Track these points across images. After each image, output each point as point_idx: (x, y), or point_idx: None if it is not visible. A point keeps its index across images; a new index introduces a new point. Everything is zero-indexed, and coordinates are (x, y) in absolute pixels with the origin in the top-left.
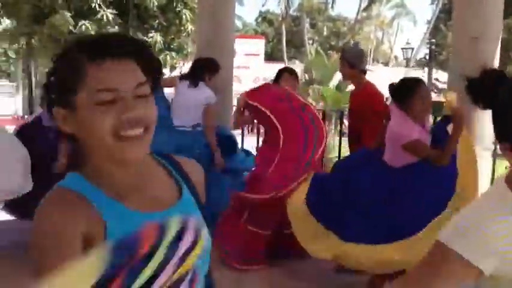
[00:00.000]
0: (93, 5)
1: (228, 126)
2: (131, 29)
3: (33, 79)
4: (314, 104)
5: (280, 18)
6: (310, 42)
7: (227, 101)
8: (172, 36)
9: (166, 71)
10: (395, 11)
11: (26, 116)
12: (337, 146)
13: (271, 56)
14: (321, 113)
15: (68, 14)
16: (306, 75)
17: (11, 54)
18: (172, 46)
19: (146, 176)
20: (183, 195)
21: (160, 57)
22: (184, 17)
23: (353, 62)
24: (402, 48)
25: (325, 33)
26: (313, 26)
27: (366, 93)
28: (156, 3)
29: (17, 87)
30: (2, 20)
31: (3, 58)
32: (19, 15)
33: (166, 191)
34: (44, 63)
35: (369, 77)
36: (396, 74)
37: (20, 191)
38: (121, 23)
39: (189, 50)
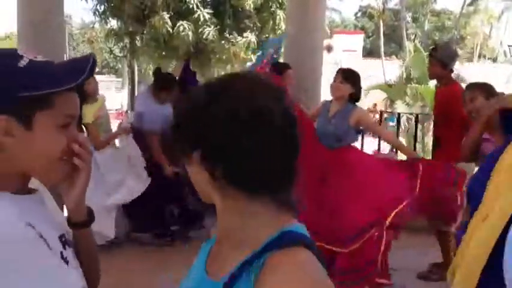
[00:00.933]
0: (190, 5)
1: None
2: (227, 28)
3: (136, 76)
4: (411, 104)
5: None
6: (412, 37)
7: (316, 103)
8: (266, 36)
9: None
10: (504, 5)
11: (128, 111)
12: None
13: (370, 52)
14: (413, 117)
15: (167, 15)
16: (404, 73)
17: (117, 52)
18: None
19: None
20: None
21: (255, 57)
22: (278, 17)
23: (446, 62)
24: (509, 46)
25: (426, 27)
26: (415, 20)
27: (452, 94)
28: (252, 5)
29: (123, 82)
30: (108, 20)
31: (111, 55)
32: (123, 16)
33: None
34: (145, 61)
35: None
36: (503, 71)
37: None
38: (217, 23)
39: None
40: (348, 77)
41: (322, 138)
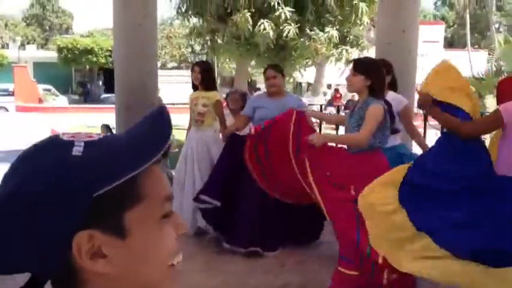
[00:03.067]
0: (272, 3)
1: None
2: (307, 24)
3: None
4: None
5: (462, 1)
6: (496, 26)
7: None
8: (348, 30)
9: (341, 65)
10: None
11: None
12: None
13: (451, 43)
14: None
15: (248, 13)
16: (494, 65)
17: (197, 48)
18: (347, 39)
19: None
20: None
21: (337, 52)
22: (360, 9)
23: None
24: None
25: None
26: (499, 8)
27: None
28: None
29: None
30: (190, 18)
31: (190, 51)
32: (205, 13)
33: None
34: (225, 58)
35: None
36: None
37: None
38: (297, 20)
39: (365, 43)
40: (359, 68)
41: None
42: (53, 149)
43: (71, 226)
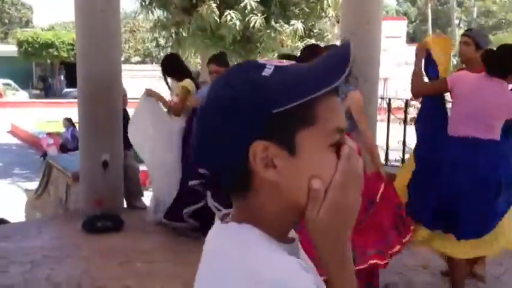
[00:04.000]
0: None
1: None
2: (273, 16)
3: None
4: None
5: None
6: (457, 22)
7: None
8: (313, 23)
9: None
10: None
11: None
12: None
13: (413, 38)
14: None
15: (214, 5)
16: (454, 60)
17: (162, 42)
18: (312, 33)
19: None
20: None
21: (302, 44)
22: (325, 2)
23: (481, 43)
24: None
25: (475, 13)
26: (460, 4)
27: None
28: None
29: None
30: (154, 10)
31: (154, 45)
32: (169, 6)
33: None
34: (190, 51)
35: None
36: None
37: None
38: (263, 11)
39: (329, 36)
40: None
41: None
42: (249, 68)
43: (251, 135)
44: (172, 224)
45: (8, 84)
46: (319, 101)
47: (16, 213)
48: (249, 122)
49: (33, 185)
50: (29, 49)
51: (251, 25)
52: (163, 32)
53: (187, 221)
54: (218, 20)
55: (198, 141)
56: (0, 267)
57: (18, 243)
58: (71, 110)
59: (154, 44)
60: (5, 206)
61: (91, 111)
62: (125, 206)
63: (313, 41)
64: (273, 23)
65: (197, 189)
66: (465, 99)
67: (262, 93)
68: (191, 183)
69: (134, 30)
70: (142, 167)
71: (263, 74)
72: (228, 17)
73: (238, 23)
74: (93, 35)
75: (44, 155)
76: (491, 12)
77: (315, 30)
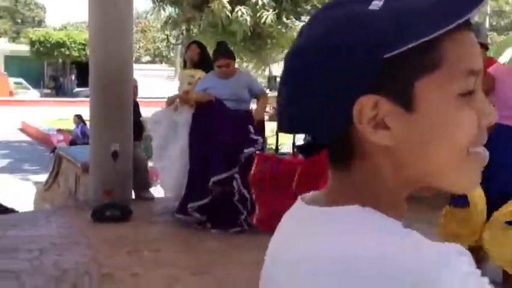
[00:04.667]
0: None
1: None
2: (284, 12)
3: None
4: None
5: None
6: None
7: None
8: None
9: None
10: None
11: None
12: None
13: None
14: None
15: (225, 0)
16: None
17: (172, 40)
18: None
19: None
20: None
21: None
22: None
23: (482, 39)
24: None
25: (489, 11)
26: None
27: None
28: None
29: (175, 71)
30: (166, 7)
31: (166, 44)
32: (181, 2)
33: None
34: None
35: None
36: None
37: None
38: (275, 7)
39: None
40: None
41: None
42: (351, 2)
43: (356, 88)
44: (180, 217)
45: (20, 83)
46: (445, 38)
47: (26, 207)
48: (353, 71)
49: (43, 178)
50: (41, 48)
51: (262, 21)
52: (175, 30)
53: (192, 214)
54: (229, 15)
55: (287, 98)
56: (9, 254)
57: (27, 231)
58: (81, 109)
59: (164, 43)
60: (15, 199)
61: (102, 101)
62: (133, 197)
63: None
64: (284, 19)
65: (211, 186)
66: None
67: (370, 33)
68: (214, 179)
69: (145, 30)
70: (150, 163)
71: (370, 8)
72: (239, 13)
73: (249, 18)
74: (106, 26)
75: (53, 150)
76: (503, 13)
77: None
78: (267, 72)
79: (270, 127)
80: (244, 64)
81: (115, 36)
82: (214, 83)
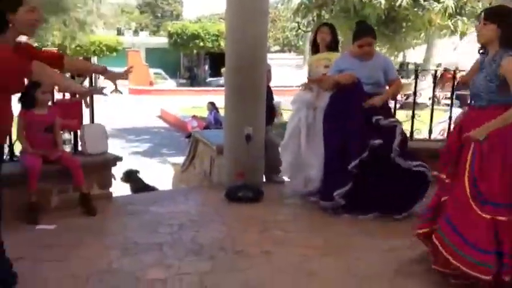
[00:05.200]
0: None
1: None
2: None
3: None
4: None
5: None
6: None
7: None
8: (465, 1)
9: (457, 38)
10: None
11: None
12: None
13: None
14: None
15: None
16: None
17: (303, 27)
18: (464, 11)
19: None
20: None
21: (451, 23)
22: None
23: (505, 21)
24: None
25: None
26: None
27: None
28: None
29: (304, 59)
30: None
31: (296, 32)
32: None
33: None
34: None
35: None
36: None
37: None
38: None
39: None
40: (491, 17)
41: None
42: None
43: None
44: (326, 204)
45: (159, 74)
46: None
47: (164, 187)
48: None
49: (179, 161)
50: (178, 40)
51: (397, 4)
52: (304, 19)
53: (338, 201)
54: None
55: None
56: (151, 228)
57: (167, 207)
58: (214, 97)
59: (293, 32)
60: (155, 180)
61: (237, 84)
62: (264, 180)
63: (464, 20)
64: (421, 1)
65: (351, 170)
66: None
67: None
68: (351, 165)
69: (275, 20)
70: None
71: None
72: None
73: (383, 1)
74: (243, 10)
75: (189, 136)
76: None
77: (467, 8)
78: (399, 59)
79: (404, 113)
80: (377, 49)
81: (251, 19)
82: (351, 65)
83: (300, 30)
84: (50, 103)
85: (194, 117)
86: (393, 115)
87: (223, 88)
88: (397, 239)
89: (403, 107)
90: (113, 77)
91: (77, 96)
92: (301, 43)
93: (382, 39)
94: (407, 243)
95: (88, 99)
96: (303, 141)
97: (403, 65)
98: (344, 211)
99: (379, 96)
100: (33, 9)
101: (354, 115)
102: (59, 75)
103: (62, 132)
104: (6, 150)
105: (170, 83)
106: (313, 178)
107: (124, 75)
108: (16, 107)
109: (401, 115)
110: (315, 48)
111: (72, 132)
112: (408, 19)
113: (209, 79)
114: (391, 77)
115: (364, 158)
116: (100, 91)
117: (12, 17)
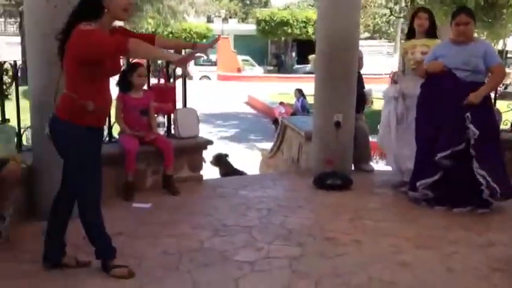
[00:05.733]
0: None
1: None
2: None
3: None
4: None
5: None
6: None
7: None
8: None
9: None
10: None
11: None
12: None
13: None
14: None
15: None
16: None
17: (395, 14)
18: None
19: None
20: None
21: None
22: None
23: None
24: None
25: None
26: None
27: None
28: None
29: (395, 47)
30: None
31: (384, 19)
32: None
33: None
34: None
35: None
36: None
37: None
38: None
39: None
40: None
41: None
42: None
43: None
44: (413, 195)
45: (247, 60)
46: None
47: (252, 172)
48: None
49: (266, 147)
50: (266, 27)
51: None
52: (397, 5)
53: (422, 192)
54: None
55: None
56: (241, 211)
57: (256, 192)
58: (301, 85)
59: (384, 19)
60: (242, 165)
61: (328, 70)
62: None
63: None
64: None
65: (439, 161)
66: None
67: None
68: (439, 155)
69: (365, 6)
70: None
71: None
72: None
73: None
74: None
75: (275, 121)
76: None
77: None
78: (498, 46)
79: (505, 104)
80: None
81: (344, 4)
82: (447, 51)
83: (392, 16)
84: (145, 87)
85: (282, 103)
86: (492, 106)
87: (310, 75)
88: (494, 234)
89: (503, 96)
90: (203, 50)
91: (174, 70)
92: (392, 30)
93: (481, 26)
94: (505, 239)
95: (183, 77)
96: (393, 134)
97: (502, 53)
98: (437, 203)
99: (475, 93)
100: None
101: (446, 104)
102: (154, 48)
103: (156, 115)
104: (105, 132)
105: (258, 70)
106: (410, 168)
107: (212, 46)
108: (114, 90)
109: (502, 105)
110: (410, 34)
111: (166, 116)
112: (509, 5)
113: (296, 66)
114: (492, 63)
115: (457, 150)
116: (188, 74)
117: (108, 2)
